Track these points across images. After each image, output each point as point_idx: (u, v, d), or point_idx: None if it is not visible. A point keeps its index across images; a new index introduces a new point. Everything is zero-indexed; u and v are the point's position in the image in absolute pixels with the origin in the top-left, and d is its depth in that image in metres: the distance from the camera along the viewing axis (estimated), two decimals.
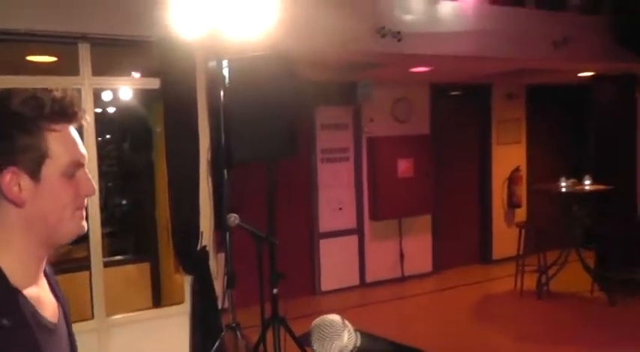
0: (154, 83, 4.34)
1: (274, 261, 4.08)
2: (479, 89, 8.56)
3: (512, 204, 8.84)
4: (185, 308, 4.53)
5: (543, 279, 7.05)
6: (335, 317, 1.55)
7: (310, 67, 6.10)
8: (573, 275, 7.19)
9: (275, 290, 4.06)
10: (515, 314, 6.78)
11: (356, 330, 1.56)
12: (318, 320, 1.56)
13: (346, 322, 1.56)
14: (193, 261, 4.41)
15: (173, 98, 4.19)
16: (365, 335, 1.58)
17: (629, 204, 7.42)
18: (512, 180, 8.81)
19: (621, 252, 6.95)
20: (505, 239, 8.47)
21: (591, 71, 7.73)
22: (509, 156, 8.85)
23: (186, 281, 4.52)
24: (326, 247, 7.40)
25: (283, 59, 4.10)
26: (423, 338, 5.49)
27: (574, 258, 6.97)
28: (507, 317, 6.68)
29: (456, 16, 5.68)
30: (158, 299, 5.73)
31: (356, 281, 7.62)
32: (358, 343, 1.55)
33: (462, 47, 5.77)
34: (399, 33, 5.23)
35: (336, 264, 7.45)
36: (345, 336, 1.52)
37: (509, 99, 8.85)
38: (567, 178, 7.08)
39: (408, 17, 5.41)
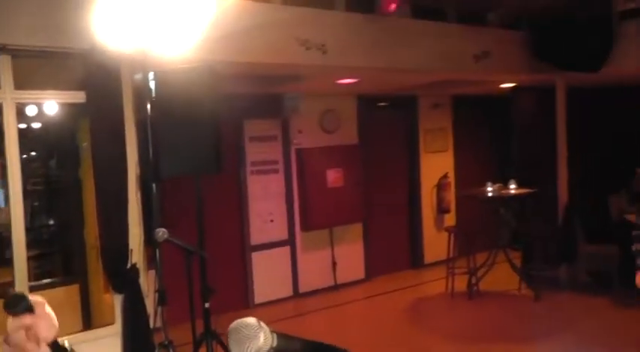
0: (80, 97, 4.21)
1: (205, 275, 4.03)
2: (406, 99, 8.78)
3: (442, 209, 9.10)
4: (116, 329, 4.40)
5: (473, 280, 7.29)
6: (251, 320, 1.60)
7: (236, 79, 6.10)
8: (502, 275, 7.51)
9: (207, 305, 4.01)
10: (447, 314, 6.97)
11: (272, 331, 1.60)
12: (234, 324, 1.60)
13: (262, 323, 1.60)
14: (123, 280, 4.29)
15: (99, 112, 4.08)
16: (281, 335, 1.62)
17: (550, 206, 7.75)
18: (441, 186, 9.07)
19: (544, 250, 7.34)
20: (435, 243, 8.68)
21: (512, 82, 8.08)
22: (437, 164, 9.10)
23: (117, 301, 4.40)
24: (258, 260, 7.36)
25: (209, 72, 4.07)
26: (358, 344, 5.58)
27: (502, 258, 7.27)
28: (440, 318, 6.86)
29: (379, 29, 5.77)
30: (88, 321, 5.54)
31: (289, 292, 7.61)
32: (275, 343, 1.59)
33: (386, 60, 5.87)
34: (323, 45, 5.29)
35: (268, 276, 7.41)
36: (262, 337, 1.56)
37: (435, 109, 9.12)
38: (493, 183, 7.36)
39: (333, 29, 5.46)
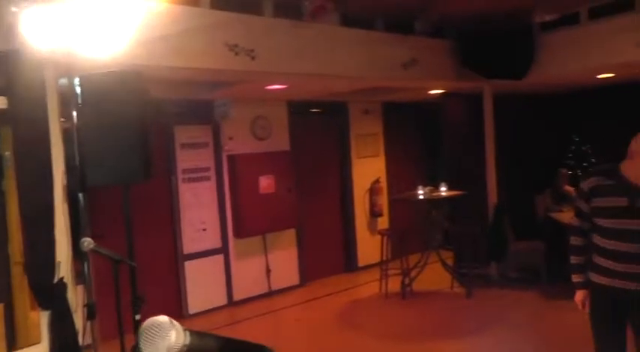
0: (2, 102, 3.99)
1: (135, 286, 3.89)
2: (337, 106, 8.84)
3: (375, 213, 9.21)
4: (43, 348, 4.19)
5: (406, 281, 7.43)
6: (162, 318, 1.59)
7: (166, 84, 5.97)
8: (434, 275, 7.73)
9: (137, 317, 3.87)
10: (381, 315, 7.04)
11: (185, 329, 1.60)
12: (145, 323, 1.58)
13: (174, 322, 1.59)
14: (50, 295, 4.09)
15: (22, 118, 3.86)
16: (195, 333, 1.64)
17: (480, 206, 8.00)
18: (373, 190, 9.19)
19: (475, 249, 7.58)
20: (369, 247, 8.80)
21: (441, 89, 8.28)
22: (369, 169, 9.21)
23: (43, 319, 4.19)
24: (191, 269, 7.20)
25: (137, 76, 3.93)
26: (293, 349, 5.60)
27: (434, 258, 7.45)
28: (374, 319, 6.92)
29: (308, 36, 5.75)
30: (13, 341, 5.26)
31: (224, 300, 7.49)
32: (187, 341, 1.59)
33: (315, 66, 5.86)
34: (252, 51, 5.24)
35: (202, 285, 7.27)
36: (173, 335, 1.56)
37: (366, 115, 9.24)
38: (424, 186, 7.51)
39: (262, 35, 5.42)
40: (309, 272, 8.41)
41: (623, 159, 3.31)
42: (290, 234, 8.18)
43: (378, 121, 9.48)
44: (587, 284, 3.40)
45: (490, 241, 7.79)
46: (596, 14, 6.96)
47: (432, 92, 8.44)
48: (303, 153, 8.33)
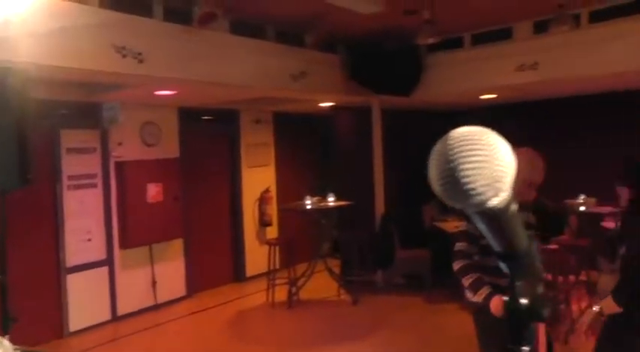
0: None
1: (5, 303, 3.62)
2: (228, 114, 8.79)
3: (264, 222, 9.21)
4: None
5: (293, 290, 7.51)
6: None
7: (50, 84, 5.69)
8: (322, 283, 7.87)
9: (6, 338, 3.62)
10: (267, 325, 7.09)
11: (16, 349, 1.58)
12: None
13: (3, 341, 1.57)
14: None
15: None
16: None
17: (367, 216, 8.22)
18: (263, 200, 9.19)
19: (361, 257, 7.79)
20: (257, 256, 8.76)
21: (330, 102, 8.45)
22: (259, 178, 9.22)
23: None
24: (74, 282, 6.78)
25: (18, 75, 3.72)
26: None
27: (322, 267, 7.57)
28: (260, 329, 6.96)
29: (198, 41, 5.69)
30: None
31: (107, 315, 7.13)
32: None
33: (205, 73, 5.81)
34: (140, 54, 5.11)
35: (85, 299, 6.87)
36: None
37: (257, 125, 9.26)
38: (312, 196, 7.62)
39: (151, 38, 5.30)
40: (196, 283, 8.26)
41: None
42: (177, 244, 8.00)
43: (269, 131, 9.53)
44: (493, 293, 3.19)
45: (377, 249, 8.03)
46: (478, 40, 7.46)
47: (323, 104, 8.61)
48: (192, 161, 8.20)
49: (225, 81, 6.06)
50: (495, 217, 0.82)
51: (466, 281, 3.23)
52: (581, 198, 6.64)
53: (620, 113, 8.41)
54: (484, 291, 3.14)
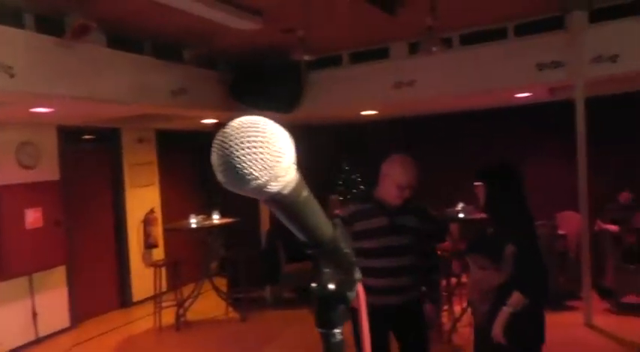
0: None
1: None
2: (110, 133, 8.54)
3: (149, 244, 8.98)
4: None
5: (181, 312, 7.37)
6: None
7: None
8: (210, 303, 7.84)
9: None
10: (155, 350, 6.91)
11: None
12: None
13: None
14: None
15: None
16: None
17: (254, 233, 8.27)
18: (148, 221, 8.97)
19: (248, 274, 7.82)
20: (144, 280, 8.48)
21: (212, 119, 8.42)
22: (143, 199, 8.99)
23: None
24: None
25: None
26: None
27: (210, 286, 7.52)
28: None
29: (74, 55, 5.48)
30: None
31: None
32: None
33: (81, 89, 5.59)
34: (11, 68, 4.82)
35: None
36: None
37: (140, 143, 9.05)
38: (197, 215, 7.56)
39: (23, 51, 5.02)
40: (81, 311, 7.86)
41: (377, 185, 3.71)
42: (60, 272, 7.59)
43: (152, 150, 9.33)
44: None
45: (263, 265, 8.09)
46: (356, 58, 7.77)
47: (206, 121, 8.57)
48: (74, 183, 7.85)
49: (101, 97, 5.83)
50: (285, 204, 0.83)
51: None
52: (460, 205, 7.01)
53: (494, 127, 9.08)
54: None
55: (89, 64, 5.69)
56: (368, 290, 3.28)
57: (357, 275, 0.99)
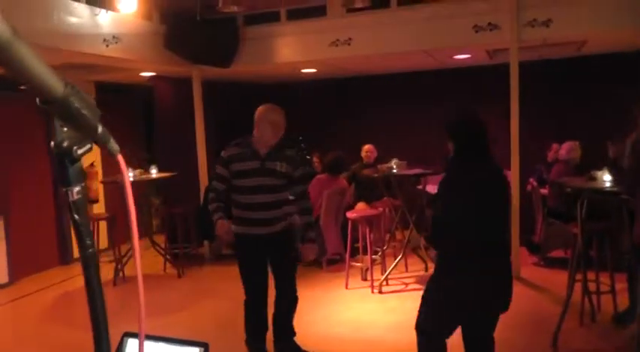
0: None
1: None
2: None
3: (89, 199, 8.84)
4: None
5: (119, 267, 7.35)
6: None
7: None
8: (149, 259, 7.84)
9: None
10: None
11: None
12: None
13: None
14: None
15: None
16: None
17: (193, 188, 8.25)
18: (87, 175, 8.84)
19: (187, 231, 7.87)
20: None
21: (149, 71, 8.24)
22: None
23: None
24: None
25: None
26: None
27: (149, 244, 7.55)
28: (85, 311, 6.70)
29: None
30: None
31: None
32: None
33: None
34: None
35: None
36: None
37: None
38: (134, 169, 7.50)
39: None
40: (19, 268, 7.77)
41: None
42: None
43: None
44: (224, 217, 4.27)
45: (201, 222, 8.08)
46: (294, 15, 7.67)
47: (144, 74, 8.38)
48: (9, 134, 7.69)
49: (33, 41, 5.62)
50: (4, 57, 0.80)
51: (211, 208, 4.29)
52: (393, 161, 7.08)
53: (436, 88, 9.19)
54: (217, 216, 4.24)
55: (18, 4, 5.40)
56: (245, 221, 4.01)
57: (114, 146, 1.01)
